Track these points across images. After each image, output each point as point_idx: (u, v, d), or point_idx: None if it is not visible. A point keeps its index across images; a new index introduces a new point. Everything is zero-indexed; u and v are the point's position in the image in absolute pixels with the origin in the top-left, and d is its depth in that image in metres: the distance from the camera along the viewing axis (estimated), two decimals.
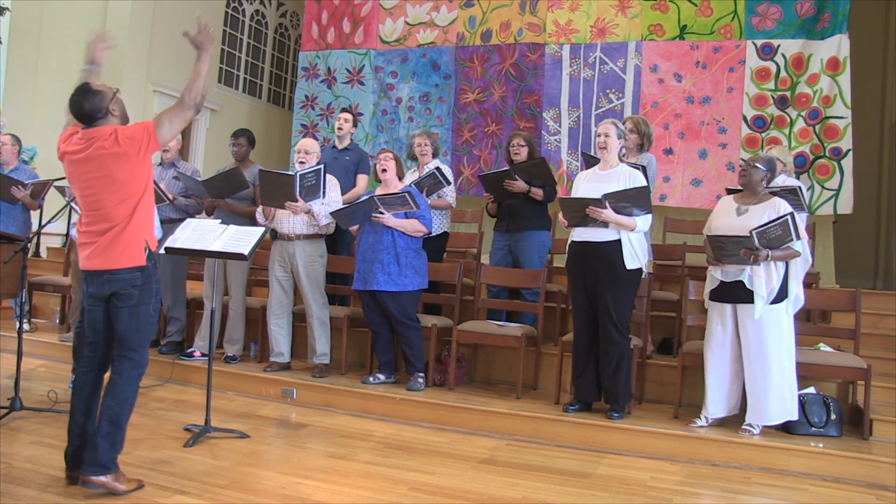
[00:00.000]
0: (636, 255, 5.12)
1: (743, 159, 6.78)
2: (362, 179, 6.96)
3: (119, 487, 3.57)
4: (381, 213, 5.68)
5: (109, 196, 3.59)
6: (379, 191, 5.90)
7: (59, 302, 7.84)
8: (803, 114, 7.98)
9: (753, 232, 4.74)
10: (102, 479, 3.52)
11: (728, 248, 4.86)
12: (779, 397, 4.85)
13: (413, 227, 5.76)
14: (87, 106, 3.64)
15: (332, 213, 5.90)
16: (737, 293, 4.92)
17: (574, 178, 7.16)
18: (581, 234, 5.23)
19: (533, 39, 9.13)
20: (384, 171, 5.93)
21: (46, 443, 4.32)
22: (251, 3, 12.56)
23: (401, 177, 6.07)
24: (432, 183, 6.40)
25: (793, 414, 4.89)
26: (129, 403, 3.66)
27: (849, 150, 7.82)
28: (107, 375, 3.75)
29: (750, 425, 4.89)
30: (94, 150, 3.58)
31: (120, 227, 3.60)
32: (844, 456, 4.58)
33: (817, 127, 7.92)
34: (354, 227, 6.06)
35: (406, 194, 5.62)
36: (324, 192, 5.89)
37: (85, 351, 3.80)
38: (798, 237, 4.79)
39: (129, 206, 3.62)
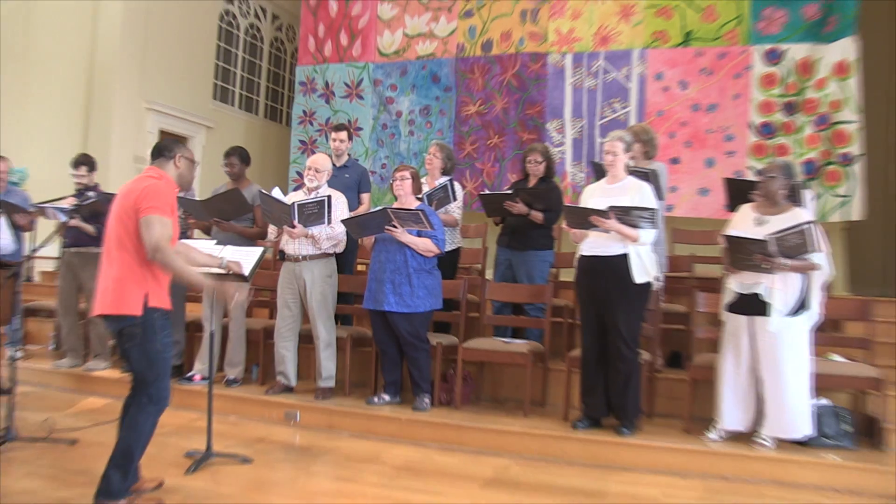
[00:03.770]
0: (645, 269, 5.06)
1: (755, 168, 6.64)
2: (366, 198, 6.92)
3: None
4: (395, 226, 5.61)
5: (122, 230, 3.73)
6: (395, 206, 5.84)
7: (54, 328, 7.65)
8: (811, 119, 7.91)
9: (770, 237, 4.65)
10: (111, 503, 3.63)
11: (744, 250, 4.76)
12: (795, 412, 4.77)
13: (425, 245, 5.69)
14: (166, 142, 4.06)
15: (343, 221, 5.86)
16: (753, 305, 4.84)
17: (579, 189, 7.11)
18: (590, 249, 5.18)
19: (534, 49, 9.08)
20: (399, 190, 5.84)
21: (42, 473, 4.25)
22: (245, 18, 12.53)
23: (418, 193, 5.94)
24: (442, 196, 6.37)
25: (807, 429, 4.80)
26: (144, 436, 3.77)
27: (860, 155, 7.73)
28: None
29: (764, 438, 4.83)
30: (135, 181, 3.85)
31: (123, 271, 3.71)
32: (859, 468, 4.54)
33: (826, 132, 7.84)
34: (369, 243, 5.95)
35: (420, 212, 5.55)
36: (329, 220, 5.85)
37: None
38: (818, 249, 4.69)
39: (139, 250, 3.70)
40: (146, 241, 3.64)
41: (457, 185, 6.62)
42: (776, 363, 4.76)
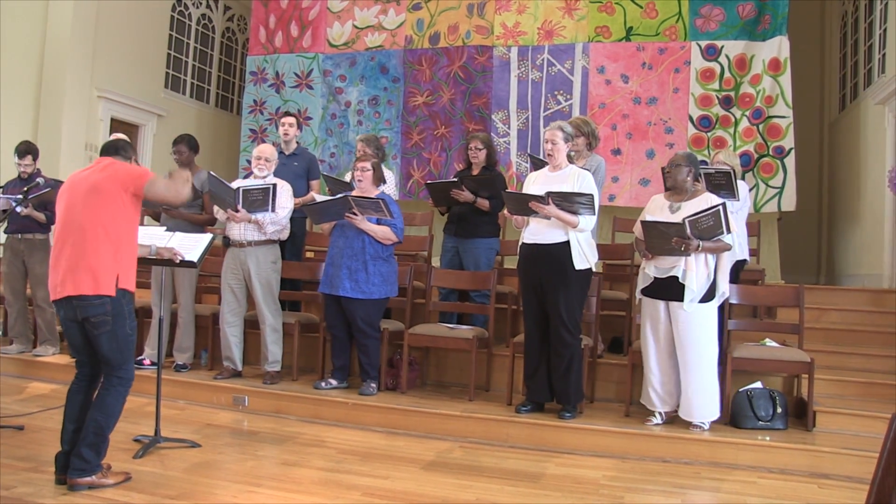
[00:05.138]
0: (585, 256, 5.16)
1: None
2: (315, 185, 6.94)
3: (106, 482, 3.80)
4: (355, 214, 5.66)
5: (91, 214, 3.76)
6: (355, 193, 5.88)
7: (1, 314, 7.51)
8: (747, 113, 8.14)
9: (686, 220, 4.81)
10: (87, 479, 3.76)
11: (662, 235, 4.89)
12: (703, 394, 4.95)
13: (384, 233, 5.75)
14: (121, 143, 4.10)
15: (304, 208, 5.94)
16: (670, 290, 4.99)
17: (524, 179, 7.21)
18: (531, 237, 5.26)
19: (481, 42, 9.16)
20: (360, 181, 5.86)
21: None
22: (197, 7, 12.40)
23: (378, 183, 5.97)
24: None
25: (714, 413, 5.00)
26: (114, 416, 3.88)
27: (791, 149, 7.99)
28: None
29: (701, 421, 4.97)
30: (98, 168, 3.89)
31: (95, 253, 3.75)
32: (789, 448, 4.70)
33: (761, 126, 8.08)
34: (327, 228, 5.97)
35: (381, 201, 5.61)
36: (273, 207, 5.90)
37: (76, 366, 4.03)
38: (728, 230, 4.87)
39: (109, 233, 3.78)
40: (173, 198, 3.97)
41: (386, 171, 6.65)
42: (689, 347, 4.94)
